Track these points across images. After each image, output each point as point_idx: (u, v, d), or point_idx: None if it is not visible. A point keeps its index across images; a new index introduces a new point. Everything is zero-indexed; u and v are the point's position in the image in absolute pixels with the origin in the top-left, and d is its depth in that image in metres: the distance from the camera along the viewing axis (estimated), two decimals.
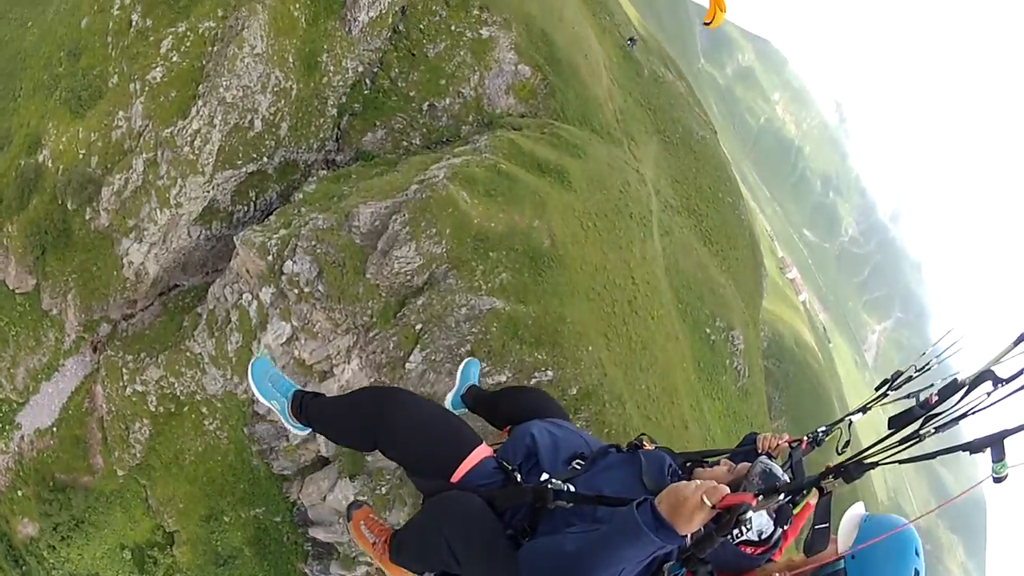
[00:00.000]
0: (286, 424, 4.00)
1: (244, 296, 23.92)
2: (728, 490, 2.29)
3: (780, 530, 3.07)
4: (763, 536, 3.07)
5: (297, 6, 25.67)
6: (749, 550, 3.07)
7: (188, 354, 26.14)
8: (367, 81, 26.90)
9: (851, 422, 3.77)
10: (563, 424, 3.60)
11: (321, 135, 26.27)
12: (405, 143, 26.36)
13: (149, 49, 27.07)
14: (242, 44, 24.28)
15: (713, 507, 2.29)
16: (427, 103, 26.14)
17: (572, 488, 2.97)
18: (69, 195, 27.73)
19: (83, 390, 32.03)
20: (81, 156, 27.83)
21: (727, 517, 2.29)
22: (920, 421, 2.42)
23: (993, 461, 2.02)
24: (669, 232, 28.07)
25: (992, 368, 2.21)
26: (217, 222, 26.89)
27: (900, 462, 2.30)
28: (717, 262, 31.13)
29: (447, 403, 4.87)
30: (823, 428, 3.80)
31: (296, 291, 21.95)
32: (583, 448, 3.34)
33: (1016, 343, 2.15)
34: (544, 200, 21.73)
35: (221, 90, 23.92)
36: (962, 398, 2.31)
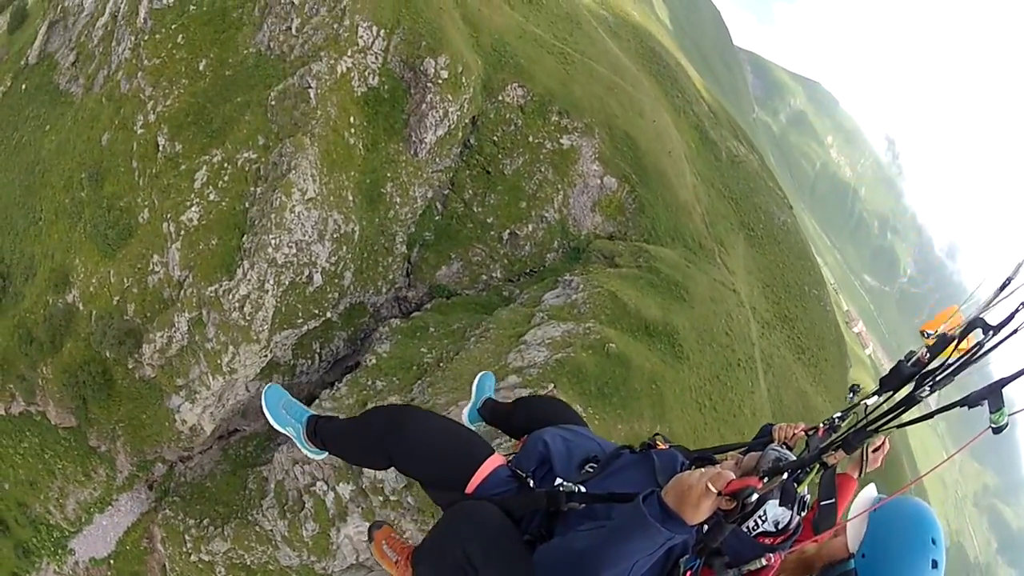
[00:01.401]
0: (302, 449, 3.91)
1: (318, 484, 20.88)
2: (733, 476, 2.23)
3: (799, 517, 2.90)
4: (780, 526, 2.89)
5: (352, 132, 21.69)
6: (768, 541, 2.88)
7: (257, 528, 23.43)
8: (438, 206, 23.11)
9: (867, 405, 3.27)
10: (578, 430, 3.55)
11: (390, 276, 22.69)
12: (484, 276, 22.79)
13: (181, 181, 23.44)
14: (290, 190, 20.49)
15: (719, 493, 2.21)
16: (507, 231, 22.44)
17: (584, 490, 2.97)
18: (107, 346, 24.69)
19: (140, 527, 29.86)
20: (115, 303, 24.68)
21: (735, 504, 2.22)
22: (915, 381, 2.27)
23: (991, 411, 1.96)
24: (770, 364, 26.02)
25: (982, 316, 2.05)
26: (278, 375, 23.66)
27: (899, 426, 2.20)
28: (810, 375, 29.68)
29: (464, 417, 4.88)
30: (838, 413, 3.50)
31: (381, 497, 18.81)
32: (597, 452, 3.32)
33: (1001, 289, 1.97)
34: (661, 390, 18.64)
35: (270, 250, 20.34)
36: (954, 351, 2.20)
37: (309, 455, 3.98)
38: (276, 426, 4.03)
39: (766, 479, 2.33)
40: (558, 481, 3.06)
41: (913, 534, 2.38)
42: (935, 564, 2.34)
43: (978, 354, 2.21)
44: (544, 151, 22.73)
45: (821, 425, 3.39)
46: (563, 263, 22.83)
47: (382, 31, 23.04)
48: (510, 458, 3.35)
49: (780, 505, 2.88)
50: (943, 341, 2.29)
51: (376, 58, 22.78)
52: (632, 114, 24.80)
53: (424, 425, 3.28)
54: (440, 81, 22.36)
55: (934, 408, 2.40)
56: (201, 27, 26.34)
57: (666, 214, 24.35)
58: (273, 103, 22.63)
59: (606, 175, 23.00)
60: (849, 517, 2.54)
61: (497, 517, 2.93)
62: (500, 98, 23.89)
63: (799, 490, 2.91)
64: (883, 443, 3.24)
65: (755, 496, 2.20)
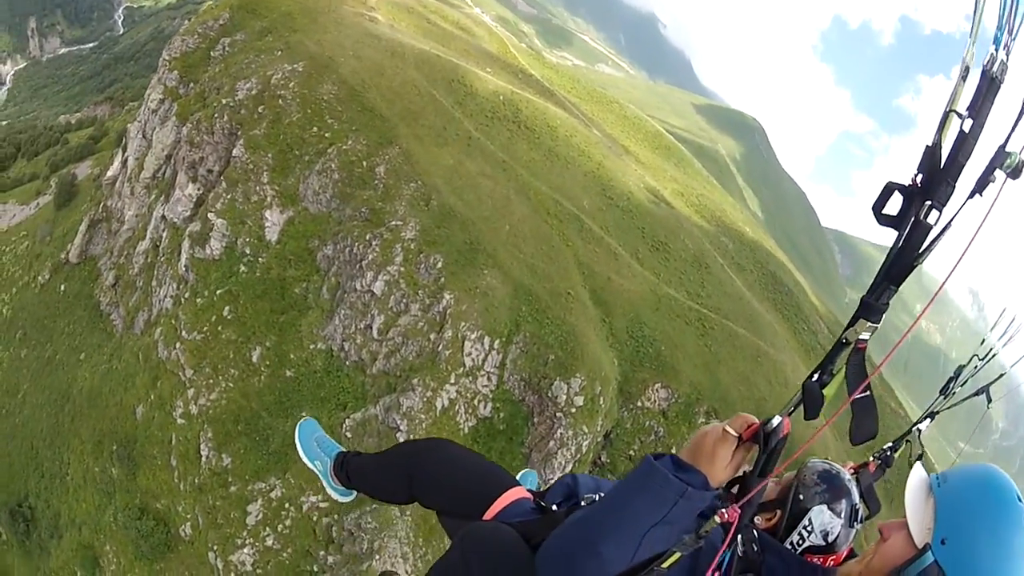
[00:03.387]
0: (328, 488, 3.77)
1: None
2: (755, 419, 1.95)
3: (854, 531, 2.61)
4: (831, 539, 2.57)
5: None
6: (817, 559, 2.55)
7: None
8: None
9: (919, 431, 3.38)
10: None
11: None
12: None
13: (230, 508, 21.66)
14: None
15: (739, 437, 1.94)
16: None
17: None
18: None
19: None
20: None
21: (762, 452, 1.88)
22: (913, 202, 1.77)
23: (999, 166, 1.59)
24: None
25: (953, 108, 1.64)
26: None
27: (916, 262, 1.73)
28: None
29: None
30: (890, 444, 3.39)
31: None
32: None
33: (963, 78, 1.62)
34: None
35: None
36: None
37: (334, 495, 3.82)
38: (305, 460, 3.94)
39: (792, 412, 1.95)
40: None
41: (998, 497, 1.98)
42: None
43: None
44: None
45: (872, 459, 3.20)
46: None
47: (496, 342, 21.19)
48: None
49: (829, 509, 2.60)
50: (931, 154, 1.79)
51: (489, 379, 20.95)
52: (778, 387, 23.66)
53: (449, 450, 3.23)
54: (574, 410, 20.42)
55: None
56: (254, 300, 24.87)
57: None
58: (349, 435, 20.96)
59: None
60: (908, 508, 2.09)
61: (512, 538, 2.67)
62: (639, 403, 22.10)
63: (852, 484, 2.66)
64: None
65: (777, 421, 1.87)
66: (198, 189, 29.07)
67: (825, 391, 1.97)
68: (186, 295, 25.96)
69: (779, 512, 2.65)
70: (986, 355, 3.37)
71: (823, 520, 2.61)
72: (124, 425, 25.10)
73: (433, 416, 20.48)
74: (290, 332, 23.85)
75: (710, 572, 2.10)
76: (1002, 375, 3.37)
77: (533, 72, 50.29)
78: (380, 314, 22.33)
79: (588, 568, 1.97)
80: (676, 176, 51.67)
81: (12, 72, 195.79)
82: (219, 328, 24.54)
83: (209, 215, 26.42)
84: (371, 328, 22.38)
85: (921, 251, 1.75)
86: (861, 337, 1.84)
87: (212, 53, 34.33)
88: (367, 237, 23.16)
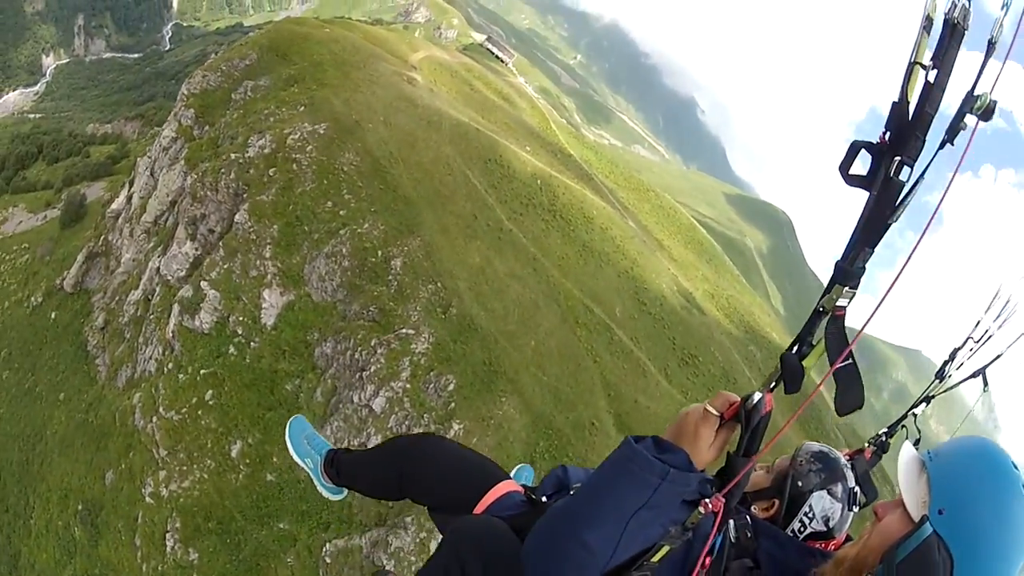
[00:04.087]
0: (318, 486, 3.64)
1: None
2: (736, 397, 1.90)
3: (852, 515, 2.59)
4: (831, 524, 2.55)
5: None
6: (819, 545, 2.47)
7: None
8: None
9: (916, 416, 3.22)
10: None
11: None
12: None
13: None
14: None
15: (720, 416, 1.89)
16: None
17: None
18: None
19: None
20: None
21: (744, 430, 1.82)
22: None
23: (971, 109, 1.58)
24: None
25: (917, 60, 1.61)
26: None
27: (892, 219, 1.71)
28: None
29: None
30: (885, 430, 3.28)
31: None
32: None
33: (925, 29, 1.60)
34: None
35: None
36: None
37: (324, 493, 3.62)
38: (295, 457, 3.75)
39: (773, 386, 1.88)
40: None
41: (992, 463, 1.86)
42: None
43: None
44: None
45: (867, 446, 3.22)
46: None
47: None
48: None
49: (828, 494, 2.55)
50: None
51: None
52: None
53: (440, 445, 3.14)
54: None
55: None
56: (240, 389, 22.10)
57: None
58: (328, 560, 17.80)
59: None
60: (901, 485, 1.93)
61: (502, 530, 2.56)
62: None
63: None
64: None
65: (758, 397, 1.80)
66: (196, 249, 26.55)
67: (805, 363, 1.92)
68: (169, 365, 23.38)
69: (776, 501, 2.58)
70: (981, 337, 3.06)
71: (823, 505, 2.54)
72: (92, 487, 22.50)
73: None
74: (276, 432, 20.90)
75: (702, 557, 2.00)
76: (999, 356, 2.92)
77: (572, 152, 48.48)
78: (377, 434, 19.41)
79: (573, 557, 1.83)
80: (708, 275, 49.85)
81: (54, 65, 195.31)
82: (199, 412, 21.74)
83: (203, 283, 23.82)
84: (365, 448, 19.44)
85: (894, 209, 1.69)
86: (839, 304, 1.78)
87: (233, 95, 31.88)
88: (372, 343, 20.24)
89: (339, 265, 22.55)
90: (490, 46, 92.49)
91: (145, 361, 24.88)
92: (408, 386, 19.34)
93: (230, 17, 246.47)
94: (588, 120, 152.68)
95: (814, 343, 1.87)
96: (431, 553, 2.67)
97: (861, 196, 1.68)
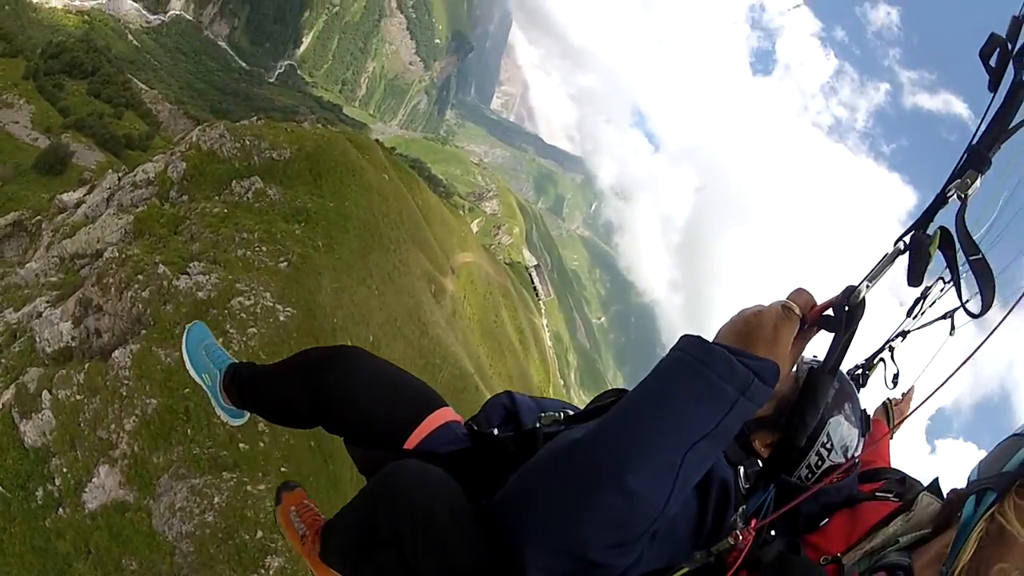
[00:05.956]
0: (216, 407, 3.04)
1: None
2: (814, 297, 1.56)
3: (864, 439, 2.23)
4: (850, 453, 2.17)
5: None
6: (837, 479, 2.06)
7: None
8: None
9: (893, 349, 3.05)
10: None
11: None
12: None
13: None
14: None
15: (802, 317, 1.50)
16: None
17: (571, 413, 2.22)
18: None
19: None
20: None
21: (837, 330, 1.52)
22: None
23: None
24: None
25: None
26: None
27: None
28: None
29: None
30: (862, 362, 3.14)
31: None
32: (574, 409, 2.43)
33: None
34: None
35: None
36: None
37: (223, 415, 3.05)
38: (192, 372, 3.11)
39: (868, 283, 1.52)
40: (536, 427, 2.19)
41: None
42: None
43: None
44: None
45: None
46: None
47: None
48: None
49: (845, 420, 2.16)
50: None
51: None
52: None
53: (365, 360, 2.43)
54: None
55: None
56: None
57: None
58: None
59: None
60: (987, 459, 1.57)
61: (442, 480, 1.95)
62: None
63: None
64: (910, 391, 3.07)
65: (862, 290, 1.48)
66: (72, 340, 18.85)
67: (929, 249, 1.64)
68: None
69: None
70: (953, 277, 2.47)
71: (841, 433, 2.17)
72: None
73: None
74: None
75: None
76: (976, 294, 2.24)
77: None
78: None
79: (606, 510, 1.33)
80: None
81: (178, 12, 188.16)
82: None
83: (46, 395, 15.94)
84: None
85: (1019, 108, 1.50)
86: (968, 193, 1.54)
87: (233, 183, 23.05)
88: None
89: (201, 518, 14.42)
90: (535, 276, 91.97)
91: None
92: None
93: (336, 95, 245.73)
94: (582, 384, 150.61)
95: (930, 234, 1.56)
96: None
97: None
